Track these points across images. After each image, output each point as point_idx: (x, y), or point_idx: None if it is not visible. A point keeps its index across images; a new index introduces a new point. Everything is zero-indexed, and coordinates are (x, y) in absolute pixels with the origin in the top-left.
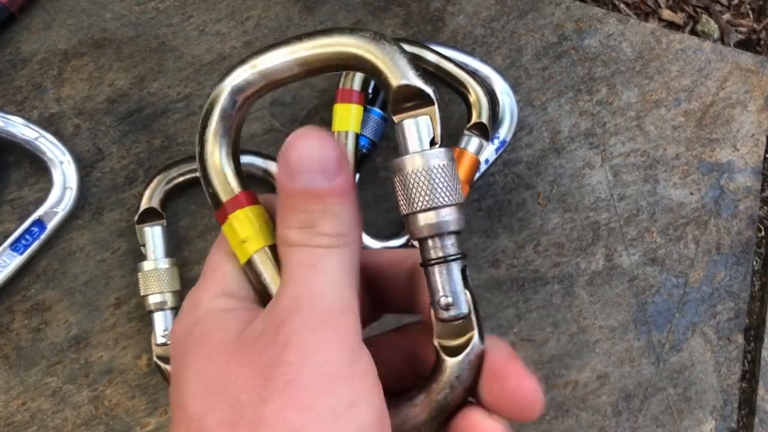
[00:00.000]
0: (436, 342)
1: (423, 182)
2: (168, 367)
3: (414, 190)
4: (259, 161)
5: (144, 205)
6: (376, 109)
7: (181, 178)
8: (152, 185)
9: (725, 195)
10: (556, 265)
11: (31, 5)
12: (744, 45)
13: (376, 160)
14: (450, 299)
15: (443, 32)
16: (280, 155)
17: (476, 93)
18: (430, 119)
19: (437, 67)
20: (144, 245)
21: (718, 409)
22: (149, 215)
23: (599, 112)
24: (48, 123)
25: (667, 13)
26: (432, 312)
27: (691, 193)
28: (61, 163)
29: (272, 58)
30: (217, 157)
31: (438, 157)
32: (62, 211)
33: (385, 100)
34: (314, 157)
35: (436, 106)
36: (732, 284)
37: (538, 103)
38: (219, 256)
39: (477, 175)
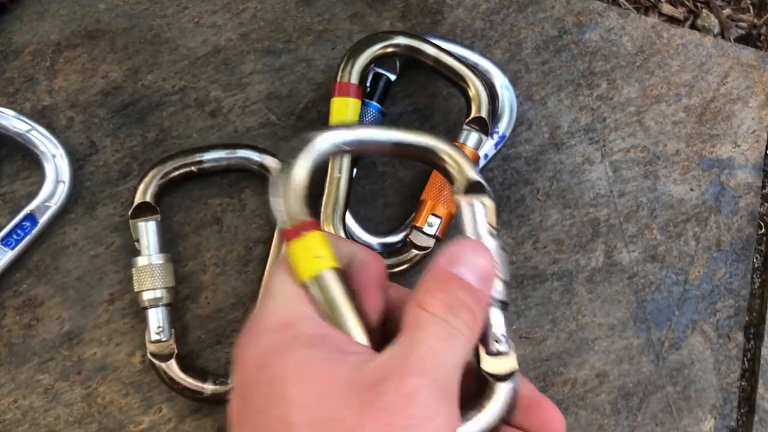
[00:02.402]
0: (484, 370)
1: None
2: (163, 365)
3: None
4: (255, 155)
5: (138, 199)
6: (374, 103)
7: (176, 173)
8: (146, 179)
9: (726, 191)
10: (555, 261)
11: None
12: (744, 40)
13: (373, 156)
14: (500, 336)
15: (442, 25)
16: (448, 248)
17: (476, 87)
18: (485, 207)
19: (436, 60)
20: (138, 240)
21: (718, 408)
22: (143, 210)
23: (599, 107)
24: (40, 115)
25: (667, 8)
26: (480, 345)
27: (692, 190)
28: (54, 156)
29: (374, 133)
30: (302, 181)
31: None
32: (55, 205)
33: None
34: (479, 262)
35: (491, 199)
36: (732, 281)
37: (538, 98)
38: (287, 277)
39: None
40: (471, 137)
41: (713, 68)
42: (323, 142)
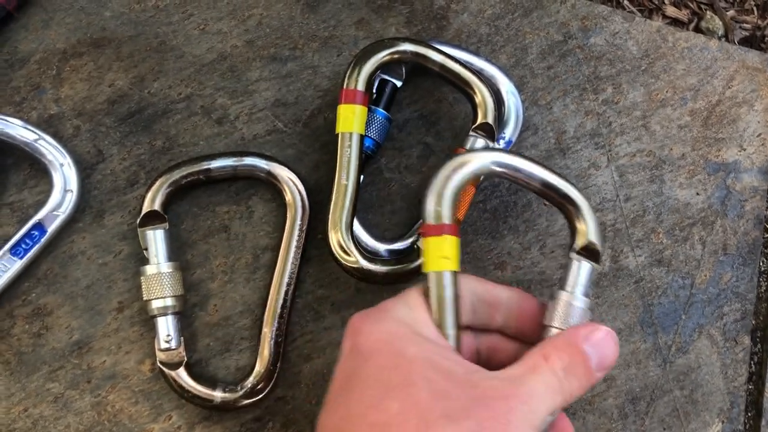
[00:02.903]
0: None
1: (575, 313)
2: (173, 373)
3: (558, 313)
4: (262, 163)
5: (146, 207)
6: (381, 110)
7: (184, 181)
8: (154, 187)
9: (732, 195)
10: (562, 266)
11: (28, 4)
12: (748, 41)
13: (380, 161)
14: None
15: (447, 31)
16: (591, 325)
17: (482, 93)
18: (592, 270)
19: (442, 66)
20: (146, 249)
21: (725, 411)
22: (151, 218)
23: (605, 112)
24: (47, 124)
25: (671, 10)
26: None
27: (698, 194)
28: (61, 165)
29: (529, 166)
30: (456, 186)
31: (587, 305)
32: (63, 214)
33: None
34: (607, 352)
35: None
36: (739, 285)
37: (544, 103)
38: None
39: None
40: (477, 143)
41: (718, 72)
42: (485, 159)
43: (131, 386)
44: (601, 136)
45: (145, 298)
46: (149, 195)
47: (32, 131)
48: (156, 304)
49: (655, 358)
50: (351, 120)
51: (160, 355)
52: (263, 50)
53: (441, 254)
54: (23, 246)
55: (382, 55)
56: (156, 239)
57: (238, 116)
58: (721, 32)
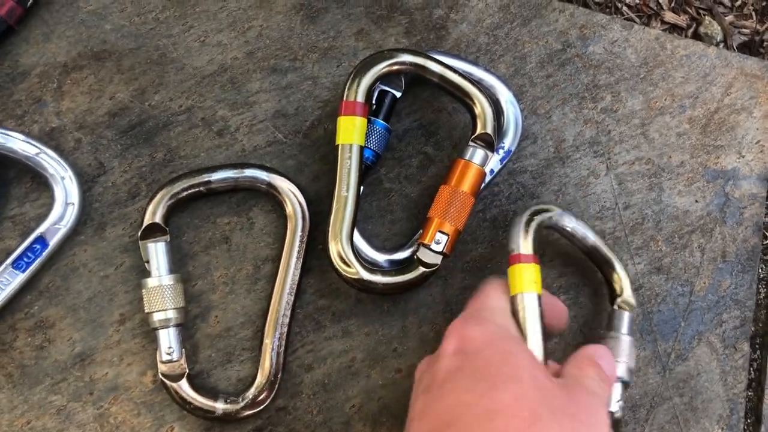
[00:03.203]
0: None
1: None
2: (174, 385)
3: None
4: (263, 174)
5: (147, 220)
6: (380, 121)
7: (185, 193)
8: (155, 200)
9: (730, 202)
10: (561, 275)
11: (29, 17)
12: (747, 47)
13: (380, 172)
14: (614, 403)
15: (447, 41)
16: (601, 347)
17: (481, 104)
18: (632, 316)
19: (441, 77)
20: (147, 261)
21: (725, 418)
22: (152, 231)
23: (604, 120)
24: (48, 137)
25: (669, 16)
26: None
27: (696, 201)
28: (63, 178)
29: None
30: (537, 228)
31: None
32: (64, 227)
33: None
34: (611, 364)
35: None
36: (738, 292)
37: (543, 112)
38: (503, 295)
39: (482, 185)
40: (477, 154)
41: (717, 79)
42: (562, 216)
43: (133, 398)
44: (600, 144)
45: (146, 311)
46: (150, 207)
47: (33, 145)
48: (157, 317)
49: (655, 365)
50: (351, 131)
51: (162, 368)
52: (263, 62)
53: (532, 279)
54: (25, 259)
55: (381, 67)
56: (157, 252)
57: (238, 128)
58: (719, 37)
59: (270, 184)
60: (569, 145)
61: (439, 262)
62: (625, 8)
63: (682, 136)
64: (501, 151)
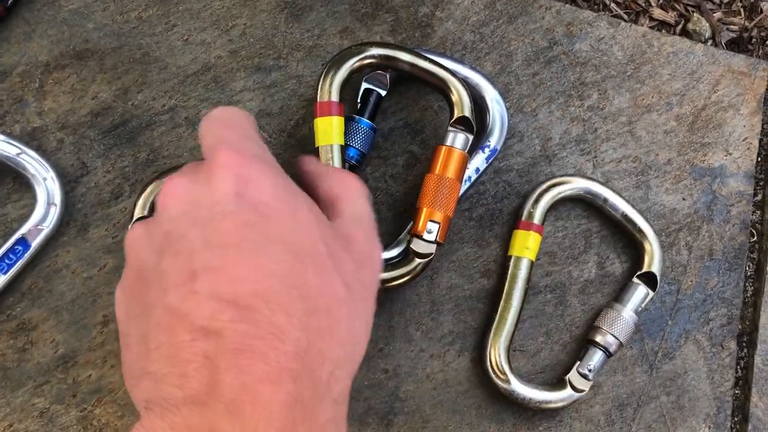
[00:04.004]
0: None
1: (626, 325)
2: None
3: (616, 325)
4: None
5: (137, 213)
6: (365, 120)
7: None
8: (145, 194)
9: (718, 200)
10: (548, 274)
11: (10, 16)
12: (735, 43)
13: (365, 171)
14: (587, 371)
15: (432, 38)
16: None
17: (455, 88)
18: (647, 295)
19: (413, 66)
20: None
21: (711, 417)
22: None
23: (590, 118)
24: (30, 137)
25: (658, 12)
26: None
27: (684, 199)
28: (45, 179)
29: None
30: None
31: (635, 320)
32: (47, 228)
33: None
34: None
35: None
36: (725, 290)
37: (529, 110)
38: None
39: (468, 184)
40: (458, 138)
41: (704, 76)
42: (580, 184)
43: (117, 400)
44: (587, 142)
45: None
46: (140, 202)
47: (14, 145)
48: None
49: (642, 364)
50: (329, 132)
51: None
52: (247, 60)
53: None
54: (7, 261)
55: (351, 63)
56: None
57: None
58: (708, 34)
59: None
60: (556, 143)
61: (433, 251)
62: (613, 5)
63: (669, 134)
64: (487, 150)
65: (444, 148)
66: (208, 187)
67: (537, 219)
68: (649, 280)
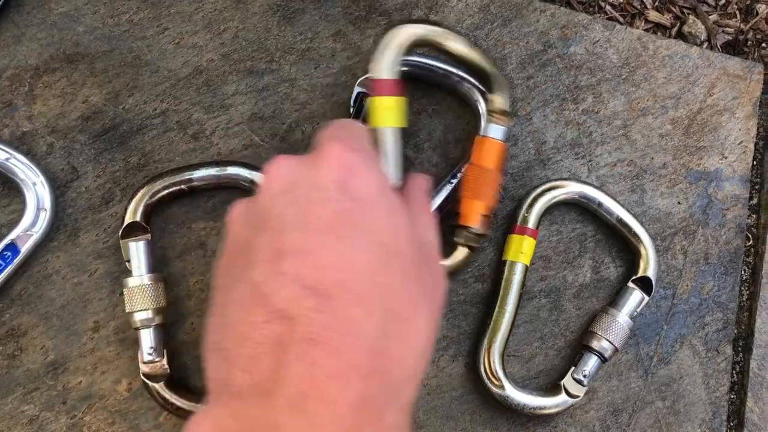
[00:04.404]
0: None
1: (621, 330)
2: (156, 386)
3: (611, 330)
4: (245, 172)
5: (128, 218)
6: (359, 123)
7: (166, 191)
8: (136, 198)
9: (713, 204)
10: (542, 278)
11: None
12: (731, 46)
13: None
14: (581, 376)
15: None
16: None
17: (496, 79)
18: (642, 300)
19: (460, 52)
20: (128, 261)
21: (707, 422)
22: (133, 229)
23: (585, 122)
24: (20, 142)
25: (653, 14)
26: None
27: (679, 203)
28: (34, 184)
29: None
30: (543, 205)
31: (630, 325)
32: (36, 233)
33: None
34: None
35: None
36: (720, 294)
37: (523, 113)
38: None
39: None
40: (496, 129)
41: (700, 79)
42: (575, 188)
43: (108, 407)
44: (582, 146)
45: (127, 311)
46: (131, 206)
47: (3, 150)
48: (139, 317)
49: (637, 369)
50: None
51: (144, 368)
52: (239, 64)
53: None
54: None
55: (406, 38)
56: (138, 251)
57: (214, 131)
58: (703, 37)
59: (253, 182)
60: (550, 147)
61: (479, 243)
62: (608, 7)
63: (665, 138)
64: None
65: (482, 138)
66: (314, 172)
67: (531, 223)
68: (645, 284)
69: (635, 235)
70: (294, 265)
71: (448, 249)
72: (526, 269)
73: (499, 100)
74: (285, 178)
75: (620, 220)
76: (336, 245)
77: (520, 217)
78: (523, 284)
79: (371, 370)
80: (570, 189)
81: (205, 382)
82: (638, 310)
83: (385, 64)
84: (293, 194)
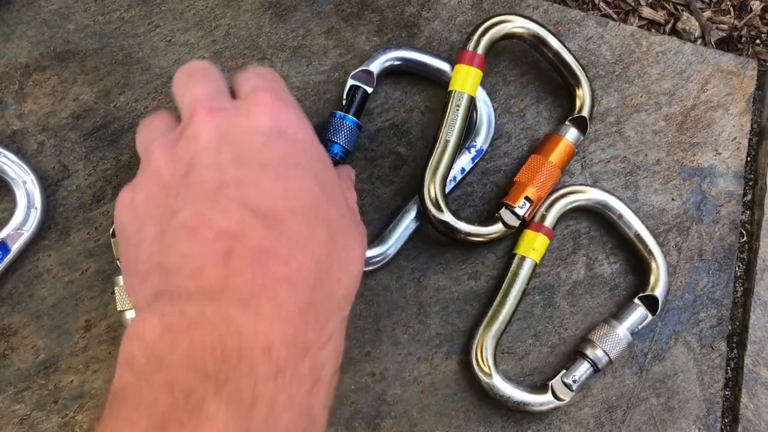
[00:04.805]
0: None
1: (618, 342)
2: None
3: (608, 341)
4: None
5: None
6: (351, 117)
7: None
8: None
9: (707, 200)
10: (536, 275)
11: None
12: (725, 42)
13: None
14: (571, 381)
15: (419, 38)
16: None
17: (585, 90)
18: (646, 319)
19: (557, 55)
20: (119, 259)
21: (702, 418)
22: None
23: None
24: (10, 140)
25: (647, 11)
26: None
27: (673, 199)
28: (25, 182)
29: None
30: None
31: (629, 340)
32: (27, 232)
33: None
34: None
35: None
36: (714, 291)
37: (516, 110)
38: None
39: (453, 184)
40: (571, 132)
41: (693, 75)
42: (593, 194)
43: (99, 405)
44: None
45: (118, 309)
46: None
47: None
48: (130, 315)
49: (631, 366)
50: (465, 81)
51: None
52: (231, 61)
53: (532, 246)
54: None
55: (506, 27)
56: None
57: None
58: (697, 33)
59: None
60: None
61: (516, 225)
62: (602, 4)
63: (658, 134)
64: (473, 150)
65: (555, 136)
66: (248, 119)
67: (548, 222)
68: (651, 303)
69: (650, 252)
70: (239, 193)
71: (488, 222)
72: (535, 267)
73: (585, 106)
74: (221, 126)
75: (637, 235)
76: (278, 179)
77: (539, 214)
78: (529, 281)
79: (316, 283)
80: (591, 196)
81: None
82: (639, 327)
83: (477, 40)
84: (230, 138)
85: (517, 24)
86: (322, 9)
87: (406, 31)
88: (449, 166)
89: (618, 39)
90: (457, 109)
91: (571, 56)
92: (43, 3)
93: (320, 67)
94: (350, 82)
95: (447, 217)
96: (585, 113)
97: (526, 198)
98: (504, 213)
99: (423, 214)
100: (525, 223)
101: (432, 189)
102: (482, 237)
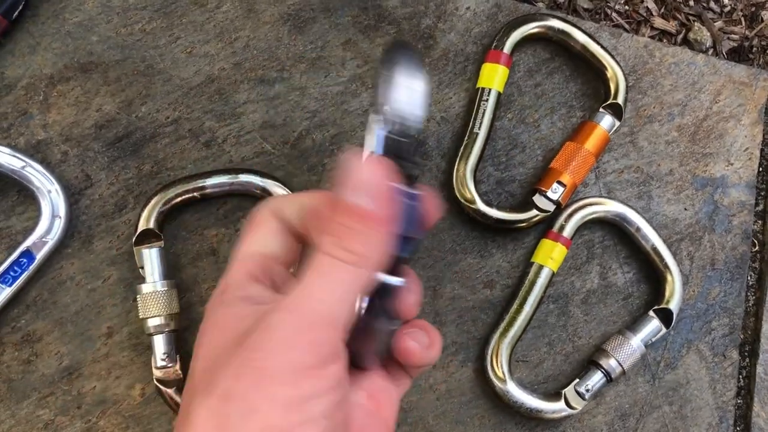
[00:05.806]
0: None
1: (632, 353)
2: (170, 391)
3: (622, 351)
4: (257, 180)
5: (141, 226)
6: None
7: (179, 198)
8: (149, 206)
9: (719, 210)
10: (551, 284)
11: (14, 29)
12: (736, 52)
13: None
14: (584, 390)
15: (435, 50)
16: (342, 170)
17: (617, 78)
18: (656, 331)
19: (584, 47)
20: (142, 267)
21: (714, 426)
22: (147, 237)
23: None
24: (35, 150)
25: (659, 22)
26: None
27: (685, 209)
28: (49, 192)
29: None
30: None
31: (642, 351)
32: (51, 240)
33: None
34: (372, 181)
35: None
36: (727, 300)
37: (531, 121)
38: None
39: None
40: (605, 119)
41: (705, 86)
42: (613, 207)
43: (121, 411)
44: None
45: (141, 317)
46: (144, 213)
47: (19, 158)
48: (152, 323)
49: (644, 374)
50: (492, 77)
51: (157, 373)
52: (251, 72)
53: (549, 255)
54: (12, 273)
55: (531, 26)
56: (152, 257)
57: (225, 139)
58: (709, 43)
59: (264, 190)
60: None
61: (551, 209)
62: (614, 15)
63: (671, 144)
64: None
65: (590, 123)
66: None
67: (567, 233)
68: (665, 316)
69: (666, 266)
70: None
71: (523, 207)
72: (552, 276)
73: (620, 91)
74: None
75: (654, 248)
76: None
77: (557, 224)
78: (546, 290)
79: None
80: (610, 208)
81: None
82: (653, 339)
83: (506, 40)
84: None
85: (541, 23)
86: (340, 21)
87: (422, 42)
88: (479, 157)
89: (631, 50)
90: (485, 104)
91: (598, 46)
92: (68, 15)
93: (338, 78)
94: (378, 132)
95: (479, 205)
96: (620, 100)
97: (559, 182)
98: (537, 198)
99: (453, 205)
100: (560, 207)
101: (463, 177)
102: (518, 223)
